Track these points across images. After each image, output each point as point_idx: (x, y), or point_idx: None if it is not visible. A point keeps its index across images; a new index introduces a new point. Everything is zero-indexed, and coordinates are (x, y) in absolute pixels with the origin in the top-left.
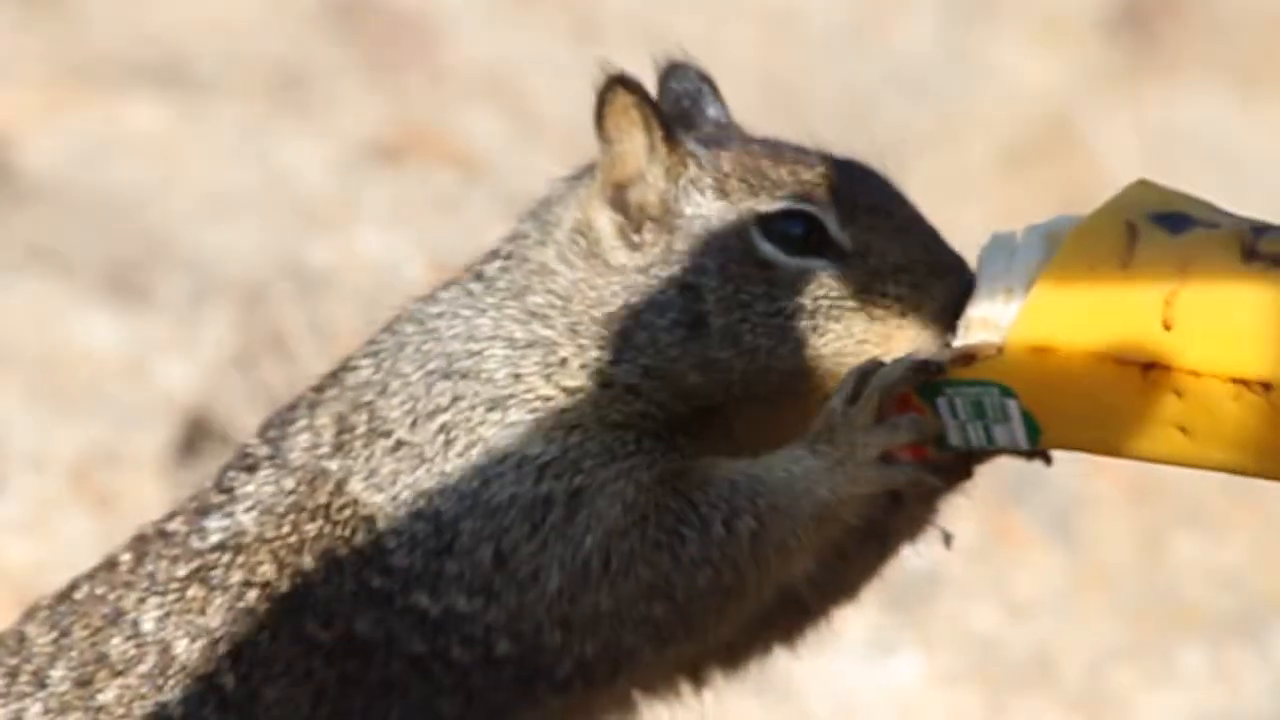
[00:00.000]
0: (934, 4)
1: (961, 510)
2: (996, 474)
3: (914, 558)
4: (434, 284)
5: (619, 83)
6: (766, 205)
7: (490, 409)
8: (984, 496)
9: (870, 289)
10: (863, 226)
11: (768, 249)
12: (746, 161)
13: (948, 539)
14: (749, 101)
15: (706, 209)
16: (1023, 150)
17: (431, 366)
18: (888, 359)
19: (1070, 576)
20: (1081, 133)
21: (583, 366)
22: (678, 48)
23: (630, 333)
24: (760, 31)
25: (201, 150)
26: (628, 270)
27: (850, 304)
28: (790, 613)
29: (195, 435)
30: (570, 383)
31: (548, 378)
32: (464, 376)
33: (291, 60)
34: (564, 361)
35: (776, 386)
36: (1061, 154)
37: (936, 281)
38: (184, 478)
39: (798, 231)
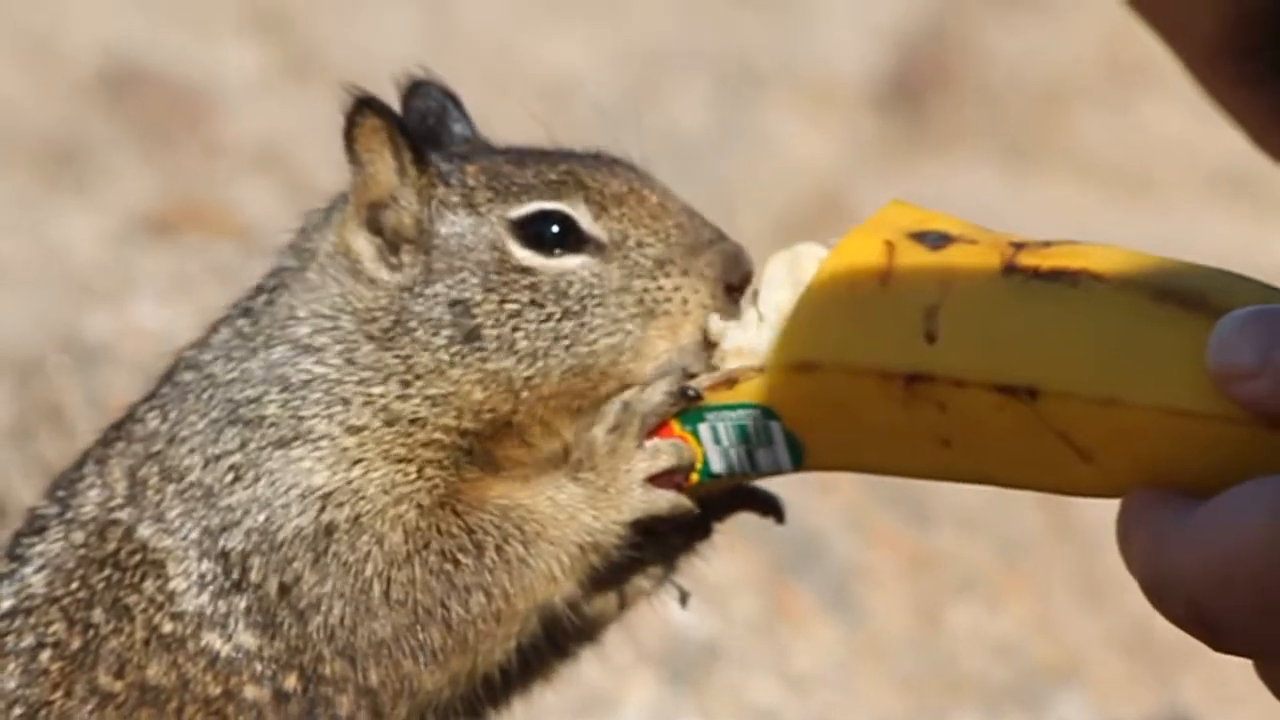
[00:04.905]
0: (708, 76)
1: (741, 585)
2: (776, 546)
3: (694, 629)
4: (204, 328)
5: (366, 105)
6: (516, 211)
7: (277, 447)
8: (763, 569)
9: (635, 281)
10: (616, 216)
11: (524, 254)
12: (492, 171)
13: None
14: None
15: (459, 225)
16: (794, 224)
17: (215, 415)
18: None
19: (849, 648)
20: (853, 206)
21: (365, 404)
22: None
23: (410, 359)
24: (536, 103)
25: None
26: (391, 288)
27: (618, 297)
28: (544, 655)
29: None
30: (354, 422)
31: (330, 418)
32: (247, 424)
33: (64, 134)
34: (345, 402)
35: (564, 389)
36: (833, 227)
37: (701, 260)
38: None
39: (552, 231)
